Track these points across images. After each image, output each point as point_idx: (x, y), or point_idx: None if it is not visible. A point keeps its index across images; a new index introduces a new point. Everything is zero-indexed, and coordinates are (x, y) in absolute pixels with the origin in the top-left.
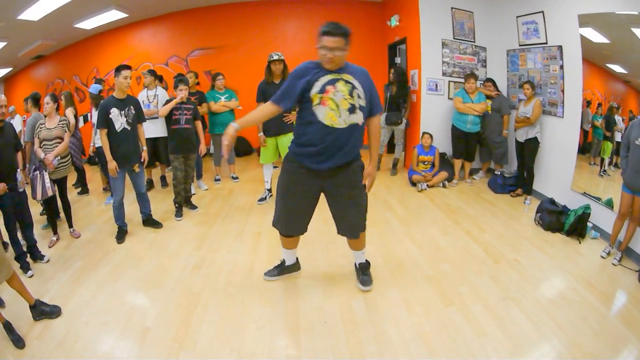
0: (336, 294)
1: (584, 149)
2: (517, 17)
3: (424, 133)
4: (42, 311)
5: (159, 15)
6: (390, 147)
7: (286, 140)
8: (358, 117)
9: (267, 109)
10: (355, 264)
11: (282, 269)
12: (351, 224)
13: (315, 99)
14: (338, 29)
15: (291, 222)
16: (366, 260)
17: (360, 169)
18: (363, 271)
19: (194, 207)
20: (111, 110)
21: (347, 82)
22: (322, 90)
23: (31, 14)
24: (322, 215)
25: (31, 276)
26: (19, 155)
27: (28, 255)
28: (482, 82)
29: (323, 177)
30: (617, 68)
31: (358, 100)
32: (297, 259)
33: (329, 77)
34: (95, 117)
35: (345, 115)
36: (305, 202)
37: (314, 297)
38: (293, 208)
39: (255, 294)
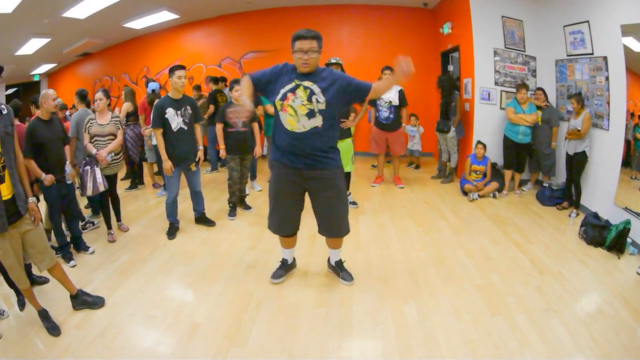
0: (389, 298)
1: (626, 161)
2: (564, 26)
3: (477, 142)
4: (84, 301)
5: (212, 17)
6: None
7: (344, 146)
8: (318, 121)
9: (247, 83)
10: (330, 263)
11: (286, 268)
12: (334, 223)
13: (277, 106)
14: (310, 33)
15: (282, 222)
16: (339, 257)
17: (340, 173)
18: (341, 268)
19: (247, 207)
20: (167, 110)
21: (306, 87)
22: (283, 98)
23: (77, 12)
24: (378, 220)
25: (74, 266)
26: (67, 148)
27: (71, 245)
28: (532, 92)
29: (305, 179)
30: None
31: (317, 104)
32: (294, 257)
33: (291, 85)
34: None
35: (304, 120)
36: (292, 202)
37: (368, 301)
38: (283, 208)
39: (310, 296)
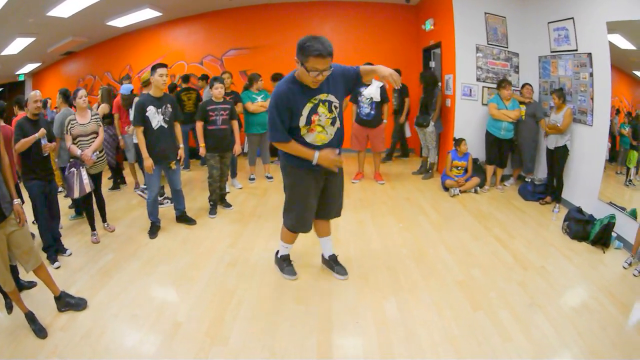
0: (369, 294)
1: (611, 157)
2: (548, 23)
3: (460, 139)
4: (67, 303)
5: (194, 14)
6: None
7: None
8: (338, 122)
9: (295, 144)
10: (325, 257)
11: (291, 261)
12: (339, 205)
13: (303, 130)
14: (327, 50)
15: (309, 221)
16: (332, 250)
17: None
18: (335, 262)
19: (228, 205)
20: (148, 108)
21: (324, 101)
22: (309, 122)
23: (61, 10)
24: (358, 217)
25: (58, 267)
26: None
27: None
28: (517, 89)
29: (325, 171)
30: None
31: (336, 110)
32: None
33: (309, 105)
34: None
35: (330, 129)
36: (316, 198)
37: (348, 297)
38: (311, 207)
39: (290, 293)
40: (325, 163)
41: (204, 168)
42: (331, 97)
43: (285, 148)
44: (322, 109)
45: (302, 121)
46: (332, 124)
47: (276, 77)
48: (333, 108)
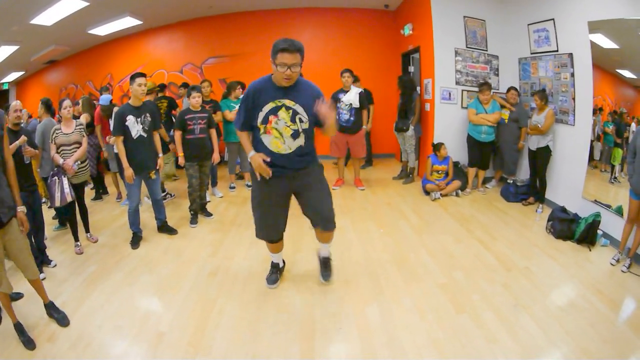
0: (351, 300)
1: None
2: (528, 24)
3: (440, 144)
4: (51, 315)
5: (174, 22)
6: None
7: None
8: (301, 140)
9: (245, 136)
10: (319, 257)
11: (279, 272)
12: (327, 214)
13: (261, 128)
14: (294, 45)
15: (270, 229)
16: (329, 254)
17: (320, 168)
18: (326, 265)
19: (209, 214)
20: (127, 118)
21: (288, 108)
22: (265, 121)
23: (44, 19)
24: (338, 223)
25: (43, 279)
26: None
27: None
28: (502, 93)
29: (290, 179)
30: (626, 73)
31: (301, 124)
32: (283, 260)
33: (271, 105)
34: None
35: (290, 142)
36: (280, 207)
37: (330, 303)
38: (270, 215)
39: (271, 300)
40: (253, 164)
41: (181, 177)
42: (298, 108)
43: (239, 136)
44: (283, 114)
45: (260, 117)
46: (294, 136)
47: (244, 87)
48: (297, 120)
